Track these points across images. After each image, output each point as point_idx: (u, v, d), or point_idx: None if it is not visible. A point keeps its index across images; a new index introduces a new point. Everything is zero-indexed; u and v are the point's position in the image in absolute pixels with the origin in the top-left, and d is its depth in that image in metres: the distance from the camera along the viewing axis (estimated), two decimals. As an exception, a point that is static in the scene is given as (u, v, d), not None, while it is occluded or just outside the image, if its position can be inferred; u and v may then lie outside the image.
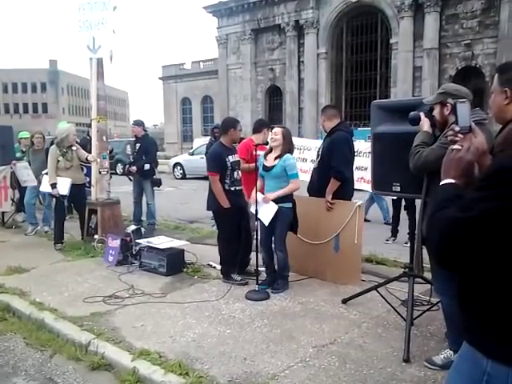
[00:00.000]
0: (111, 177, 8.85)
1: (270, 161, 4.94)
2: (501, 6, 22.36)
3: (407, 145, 3.38)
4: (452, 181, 1.51)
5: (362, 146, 7.02)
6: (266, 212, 4.81)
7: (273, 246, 5.09)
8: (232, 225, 5.17)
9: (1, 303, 4.77)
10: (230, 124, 5.35)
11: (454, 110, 1.68)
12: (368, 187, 6.85)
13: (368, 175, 6.48)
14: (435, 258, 1.41)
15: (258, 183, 4.98)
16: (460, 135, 1.59)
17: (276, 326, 4.06)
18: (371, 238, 6.50)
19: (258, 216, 4.86)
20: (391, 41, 26.64)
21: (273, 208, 4.78)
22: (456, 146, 1.55)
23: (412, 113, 3.27)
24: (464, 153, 1.52)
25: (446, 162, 1.56)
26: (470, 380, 1.44)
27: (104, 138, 7.21)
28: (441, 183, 1.53)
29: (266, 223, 4.83)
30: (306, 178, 5.77)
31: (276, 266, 5.09)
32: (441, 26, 24.47)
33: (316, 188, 5.30)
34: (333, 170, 5.03)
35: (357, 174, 6.20)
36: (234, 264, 5.32)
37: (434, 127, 3.38)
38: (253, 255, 5.48)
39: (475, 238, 1.28)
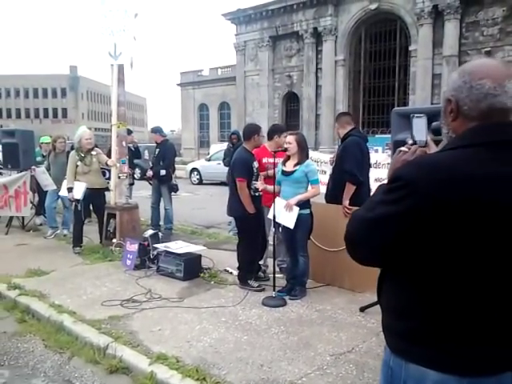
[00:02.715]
0: (134, 182, 8.93)
1: (289, 167, 4.95)
2: (523, 13, 22.11)
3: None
4: None
5: (381, 158, 6.97)
6: (288, 216, 4.79)
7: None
8: (254, 230, 5.19)
9: (21, 305, 4.85)
10: (254, 130, 5.41)
11: (410, 125, 1.71)
12: None
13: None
14: (347, 250, 1.50)
15: (275, 188, 5.00)
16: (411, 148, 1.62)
17: (293, 333, 4.05)
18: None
19: (281, 222, 4.85)
20: (410, 48, 26.46)
21: (295, 211, 4.77)
22: (403, 148, 1.57)
23: (434, 123, 3.31)
24: (410, 155, 1.54)
25: (392, 163, 1.59)
26: (382, 376, 1.52)
27: (123, 143, 7.28)
28: (380, 183, 1.57)
29: (292, 226, 4.79)
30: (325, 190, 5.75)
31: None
32: (461, 33, 24.22)
33: (330, 194, 5.25)
34: (346, 173, 5.02)
35: (375, 186, 6.17)
36: (251, 270, 5.33)
37: None
38: (269, 262, 5.49)
39: (374, 236, 1.37)
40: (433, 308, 1.34)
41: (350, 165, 5.01)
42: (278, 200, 4.88)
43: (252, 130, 5.41)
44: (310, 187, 4.95)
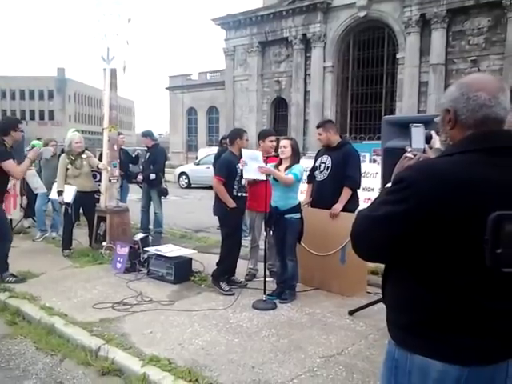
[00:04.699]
0: (123, 184, 8.85)
1: (280, 171, 5.03)
2: (508, 24, 22.46)
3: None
4: None
5: (370, 167, 7.06)
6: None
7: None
8: (233, 229, 5.33)
9: (11, 307, 4.85)
10: (236, 134, 5.61)
11: (409, 134, 1.83)
12: None
13: (375, 196, 6.55)
14: (353, 248, 1.61)
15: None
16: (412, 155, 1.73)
17: (283, 335, 4.10)
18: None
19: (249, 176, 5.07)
20: (398, 56, 26.78)
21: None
22: (409, 154, 1.69)
23: (425, 131, 3.44)
24: (415, 161, 1.66)
25: (397, 168, 1.70)
26: (386, 368, 1.63)
27: (115, 146, 7.29)
28: (386, 186, 1.67)
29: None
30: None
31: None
32: (447, 42, 24.59)
33: (330, 200, 5.22)
34: (349, 179, 5.17)
35: (363, 195, 6.26)
36: (223, 270, 5.40)
37: None
38: (260, 266, 5.54)
39: (379, 233, 1.49)
40: (434, 301, 1.44)
41: (354, 171, 5.22)
42: (249, 155, 5.02)
43: (234, 134, 5.65)
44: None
